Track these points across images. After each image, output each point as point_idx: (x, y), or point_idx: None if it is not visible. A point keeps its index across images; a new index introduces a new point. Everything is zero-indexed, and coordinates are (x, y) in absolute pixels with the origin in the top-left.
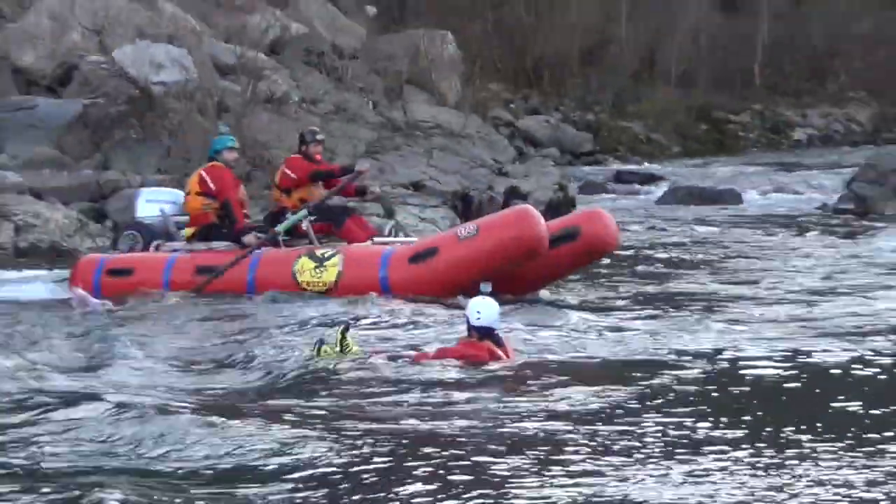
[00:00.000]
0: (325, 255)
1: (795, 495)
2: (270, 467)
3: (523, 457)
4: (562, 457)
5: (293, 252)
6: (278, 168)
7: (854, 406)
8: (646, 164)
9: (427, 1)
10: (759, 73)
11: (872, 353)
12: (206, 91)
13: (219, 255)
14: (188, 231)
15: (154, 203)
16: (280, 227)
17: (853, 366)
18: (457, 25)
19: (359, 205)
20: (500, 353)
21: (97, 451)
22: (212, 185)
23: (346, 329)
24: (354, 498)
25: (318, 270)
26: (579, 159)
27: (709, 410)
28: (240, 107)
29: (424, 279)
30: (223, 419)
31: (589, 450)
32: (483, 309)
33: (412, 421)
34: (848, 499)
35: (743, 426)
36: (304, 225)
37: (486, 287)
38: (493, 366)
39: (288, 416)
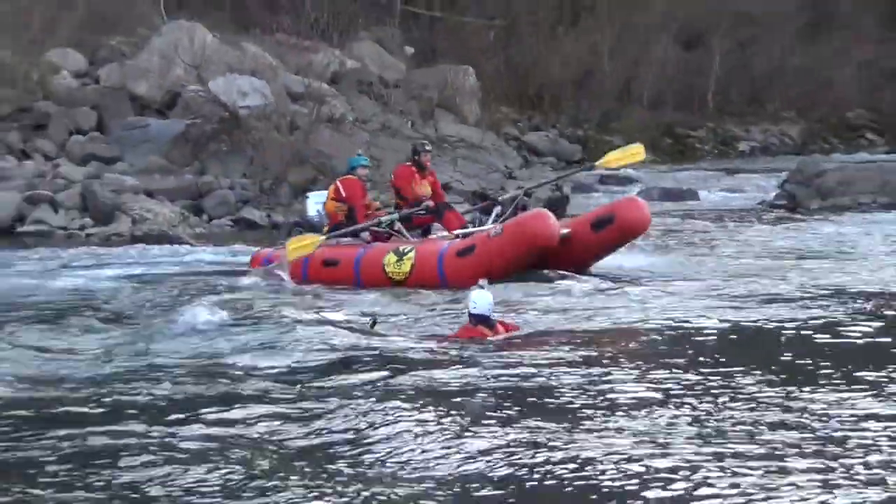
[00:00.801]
0: (405, 251)
1: (737, 425)
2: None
3: (506, 407)
4: (543, 410)
5: (385, 247)
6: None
7: (786, 357)
8: (624, 169)
9: (452, 44)
10: (712, 98)
11: (797, 317)
12: (280, 113)
13: (340, 249)
14: (325, 228)
15: (317, 204)
16: (379, 224)
17: (783, 326)
18: (476, 62)
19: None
20: (491, 335)
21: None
22: (343, 193)
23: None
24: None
25: (398, 263)
26: (572, 166)
27: (668, 364)
28: (307, 125)
29: (467, 270)
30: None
31: (559, 404)
32: (478, 300)
33: (421, 381)
34: (782, 424)
35: (694, 375)
36: (396, 226)
37: (483, 282)
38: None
39: (342, 379)
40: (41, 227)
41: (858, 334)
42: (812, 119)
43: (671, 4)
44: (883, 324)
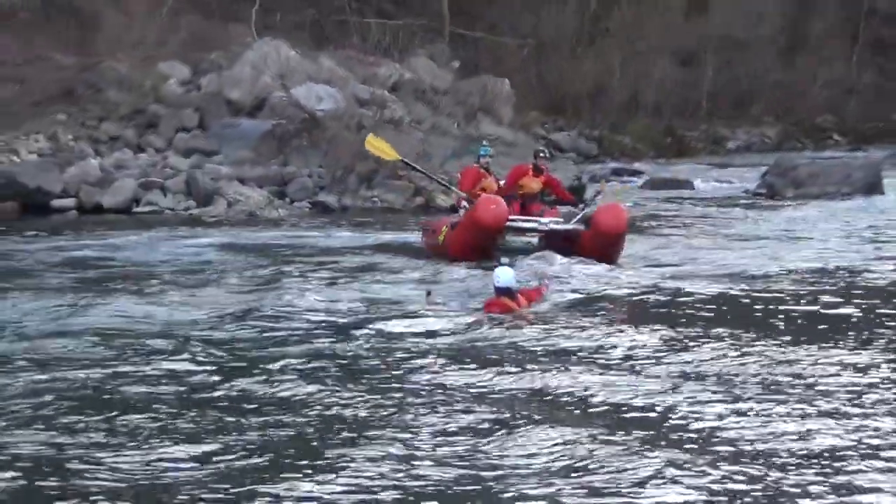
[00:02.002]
0: (448, 224)
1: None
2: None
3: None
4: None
5: (447, 221)
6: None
7: (757, 316)
8: (632, 164)
9: (491, 59)
10: (705, 105)
11: (772, 287)
12: (350, 115)
13: (438, 222)
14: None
15: None
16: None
17: (760, 292)
18: (510, 75)
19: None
20: (513, 305)
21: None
22: (459, 178)
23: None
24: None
25: (443, 233)
26: (589, 160)
27: (661, 323)
28: (371, 125)
29: (453, 241)
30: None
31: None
32: (501, 275)
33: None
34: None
35: (683, 334)
36: (462, 203)
37: (505, 259)
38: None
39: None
40: (153, 207)
41: (820, 300)
42: (788, 123)
43: (670, 29)
44: (835, 293)
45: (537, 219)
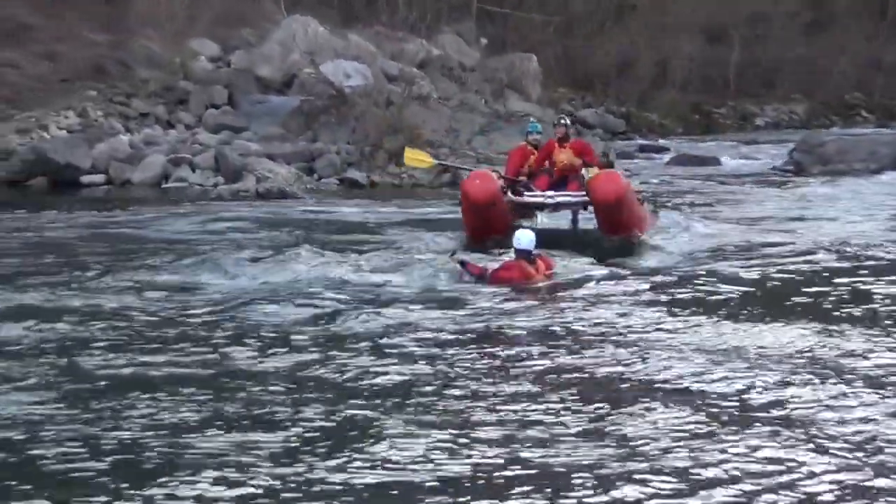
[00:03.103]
0: None
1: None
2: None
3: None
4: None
5: None
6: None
7: (790, 289)
8: (659, 140)
9: (519, 36)
10: (733, 81)
11: (796, 261)
12: (378, 91)
13: None
14: None
15: None
16: None
17: (783, 267)
18: (537, 51)
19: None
20: (531, 269)
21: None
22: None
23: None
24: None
25: None
26: (617, 136)
27: (681, 296)
28: (400, 102)
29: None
30: None
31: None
32: (522, 237)
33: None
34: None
35: (706, 312)
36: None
37: (527, 223)
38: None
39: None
40: (182, 183)
41: (846, 277)
42: (815, 100)
43: (697, 6)
44: (865, 269)
45: (544, 192)
